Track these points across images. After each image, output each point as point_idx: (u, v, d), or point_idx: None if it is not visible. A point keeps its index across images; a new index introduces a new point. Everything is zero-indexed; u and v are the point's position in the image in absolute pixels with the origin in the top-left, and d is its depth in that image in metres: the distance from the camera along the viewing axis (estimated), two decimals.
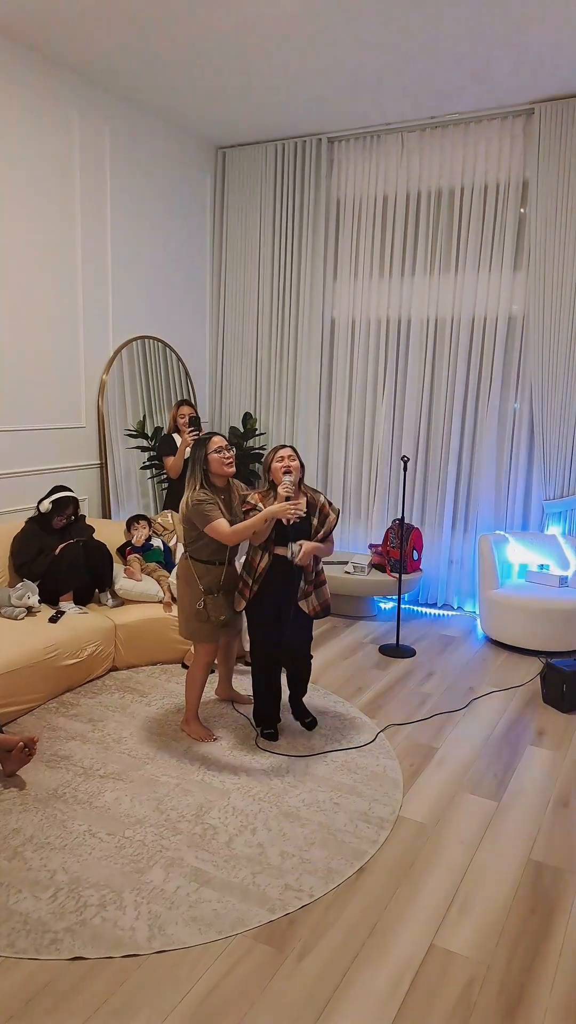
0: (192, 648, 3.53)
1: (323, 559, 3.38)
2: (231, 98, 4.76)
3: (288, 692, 3.56)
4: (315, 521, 3.25)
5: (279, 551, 3.21)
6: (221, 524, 3.10)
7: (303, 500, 3.17)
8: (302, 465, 3.26)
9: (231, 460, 3.24)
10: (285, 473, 3.17)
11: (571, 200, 4.56)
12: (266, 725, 3.41)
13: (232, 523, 3.20)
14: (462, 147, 4.92)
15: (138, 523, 4.49)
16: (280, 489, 3.12)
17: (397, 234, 5.22)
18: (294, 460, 3.22)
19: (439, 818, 2.85)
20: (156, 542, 4.52)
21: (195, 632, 3.30)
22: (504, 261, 4.89)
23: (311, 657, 3.47)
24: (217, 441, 3.23)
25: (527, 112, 4.68)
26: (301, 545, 3.13)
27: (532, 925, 2.31)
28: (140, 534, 4.44)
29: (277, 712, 3.45)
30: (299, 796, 2.95)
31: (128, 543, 4.46)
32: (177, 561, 4.64)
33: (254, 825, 2.75)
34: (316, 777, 3.09)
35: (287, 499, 3.11)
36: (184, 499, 3.24)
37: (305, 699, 3.74)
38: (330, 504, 3.28)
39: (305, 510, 3.14)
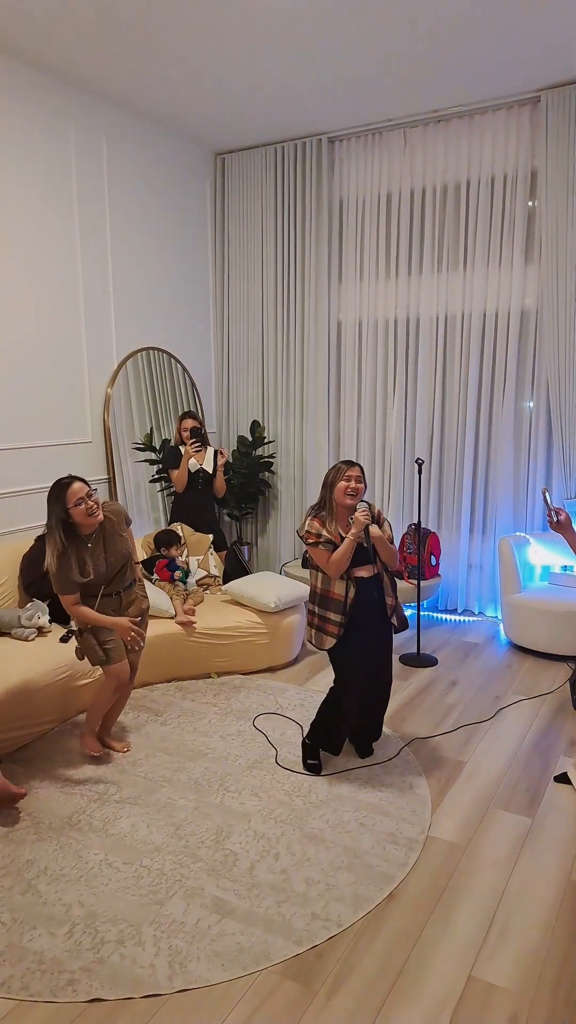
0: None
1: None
2: (229, 102, 4.67)
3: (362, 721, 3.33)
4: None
5: (359, 573, 3.01)
6: (68, 601, 2.94)
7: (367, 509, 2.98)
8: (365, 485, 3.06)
9: (96, 506, 2.88)
10: (350, 495, 2.97)
11: None
12: (314, 757, 3.20)
13: (95, 570, 2.93)
14: (467, 140, 4.80)
15: (179, 545, 4.53)
16: (359, 515, 2.90)
17: (403, 232, 5.11)
18: (360, 481, 2.99)
19: (471, 837, 2.71)
20: (182, 561, 4.54)
21: (96, 657, 3.08)
22: (515, 254, 4.77)
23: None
24: (75, 492, 2.83)
25: (533, 100, 4.56)
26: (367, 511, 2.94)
27: None
28: (180, 555, 4.54)
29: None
30: (323, 817, 2.82)
31: (157, 556, 4.46)
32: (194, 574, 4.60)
33: (277, 850, 2.63)
34: (340, 796, 2.96)
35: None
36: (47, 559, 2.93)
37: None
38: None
39: (370, 516, 2.96)
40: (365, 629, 3.04)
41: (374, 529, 2.97)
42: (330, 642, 3.01)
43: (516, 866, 2.55)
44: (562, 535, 2.90)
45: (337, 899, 2.38)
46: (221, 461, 4.84)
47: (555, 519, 2.87)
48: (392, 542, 3.07)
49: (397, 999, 2.01)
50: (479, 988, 2.04)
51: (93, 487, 2.95)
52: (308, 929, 2.25)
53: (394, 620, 3.12)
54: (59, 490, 2.85)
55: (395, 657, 4.51)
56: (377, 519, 3.08)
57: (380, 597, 3.06)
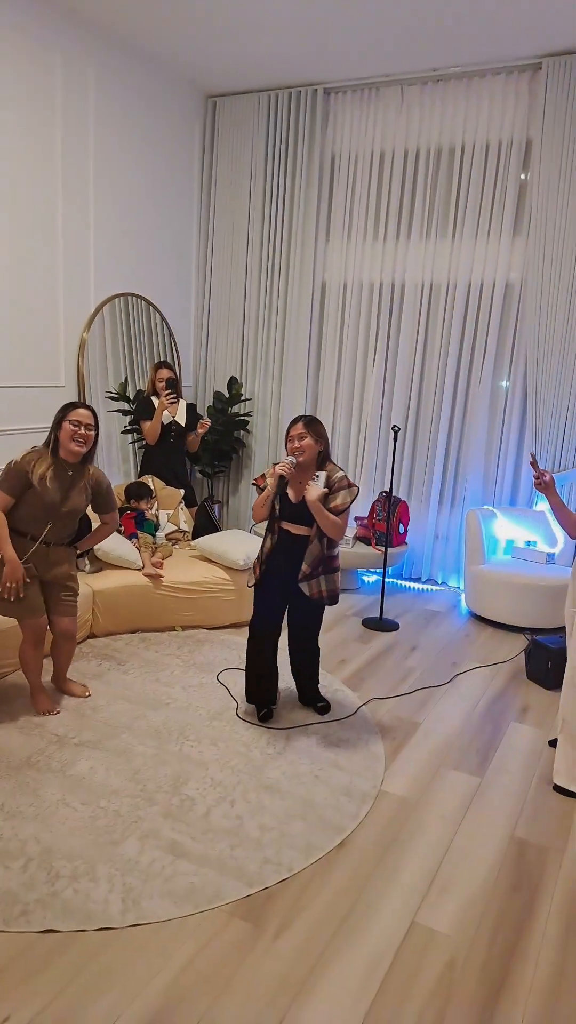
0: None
1: (338, 543, 3.11)
2: (224, 42, 4.52)
3: (295, 678, 3.43)
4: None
5: (286, 527, 3.05)
6: None
7: (321, 479, 2.95)
8: (322, 439, 2.99)
9: (82, 439, 2.95)
10: (289, 455, 2.97)
11: (575, 163, 4.41)
12: (259, 706, 3.27)
13: (53, 505, 2.93)
14: (464, 102, 4.73)
15: (150, 498, 4.51)
16: (276, 468, 2.93)
17: (394, 193, 5.04)
18: (304, 439, 2.95)
19: (421, 794, 2.80)
20: (152, 514, 4.52)
21: (8, 609, 3.01)
22: (503, 227, 4.75)
23: (317, 648, 3.35)
24: (77, 414, 2.94)
25: (534, 67, 4.49)
26: (316, 477, 2.94)
27: (515, 904, 2.26)
28: (151, 508, 4.53)
29: (272, 693, 3.28)
30: (279, 769, 2.88)
31: (126, 507, 4.41)
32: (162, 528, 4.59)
33: (233, 797, 2.68)
34: (297, 750, 3.02)
35: (281, 477, 2.94)
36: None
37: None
38: (348, 482, 2.99)
39: (291, 469, 2.94)
40: (275, 582, 3.12)
41: (312, 492, 2.91)
42: (252, 580, 3.16)
43: (463, 822, 2.64)
44: (546, 495, 2.98)
45: (289, 846, 2.44)
46: (201, 431, 4.76)
47: (542, 480, 2.95)
48: (340, 512, 2.95)
49: (342, 940, 2.08)
50: (420, 933, 2.12)
51: (93, 427, 3.01)
52: (260, 872, 2.32)
53: (304, 588, 3.05)
54: (69, 404, 3.03)
55: (358, 620, 4.58)
56: (333, 484, 2.97)
57: (300, 561, 3.06)
